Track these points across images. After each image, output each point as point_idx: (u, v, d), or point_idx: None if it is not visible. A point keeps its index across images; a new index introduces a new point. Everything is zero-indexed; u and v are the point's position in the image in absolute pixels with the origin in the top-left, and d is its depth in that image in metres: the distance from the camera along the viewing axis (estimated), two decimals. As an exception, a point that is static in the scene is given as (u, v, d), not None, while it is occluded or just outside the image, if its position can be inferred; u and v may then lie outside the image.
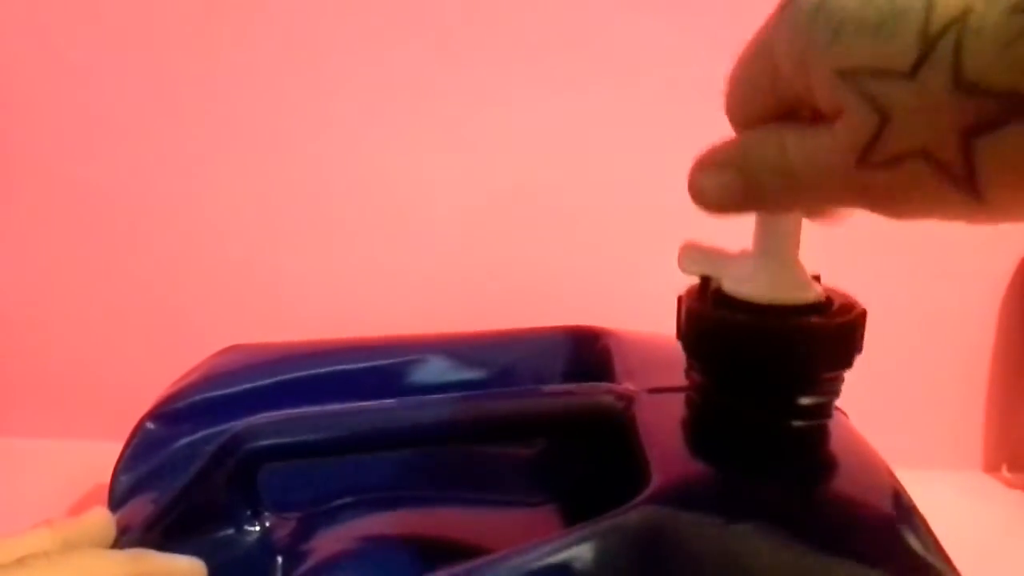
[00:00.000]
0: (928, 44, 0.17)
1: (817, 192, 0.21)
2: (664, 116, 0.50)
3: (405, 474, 0.36)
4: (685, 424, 0.29)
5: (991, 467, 0.55)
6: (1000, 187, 0.18)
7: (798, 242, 0.26)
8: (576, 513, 0.26)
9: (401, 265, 0.54)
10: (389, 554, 0.32)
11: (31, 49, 0.51)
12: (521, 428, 0.34)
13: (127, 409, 0.40)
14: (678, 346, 0.28)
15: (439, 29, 0.51)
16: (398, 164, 0.53)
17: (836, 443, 0.28)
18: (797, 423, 0.27)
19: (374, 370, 0.41)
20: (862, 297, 0.27)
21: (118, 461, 0.39)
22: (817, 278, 0.27)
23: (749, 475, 0.27)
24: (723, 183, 0.23)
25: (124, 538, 0.31)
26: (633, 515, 0.25)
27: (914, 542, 0.25)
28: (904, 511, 0.26)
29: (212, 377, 0.41)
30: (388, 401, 0.34)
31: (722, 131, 0.24)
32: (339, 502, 0.35)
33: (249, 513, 0.33)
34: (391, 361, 0.41)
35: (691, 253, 0.28)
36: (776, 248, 0.26)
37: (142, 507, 0.35)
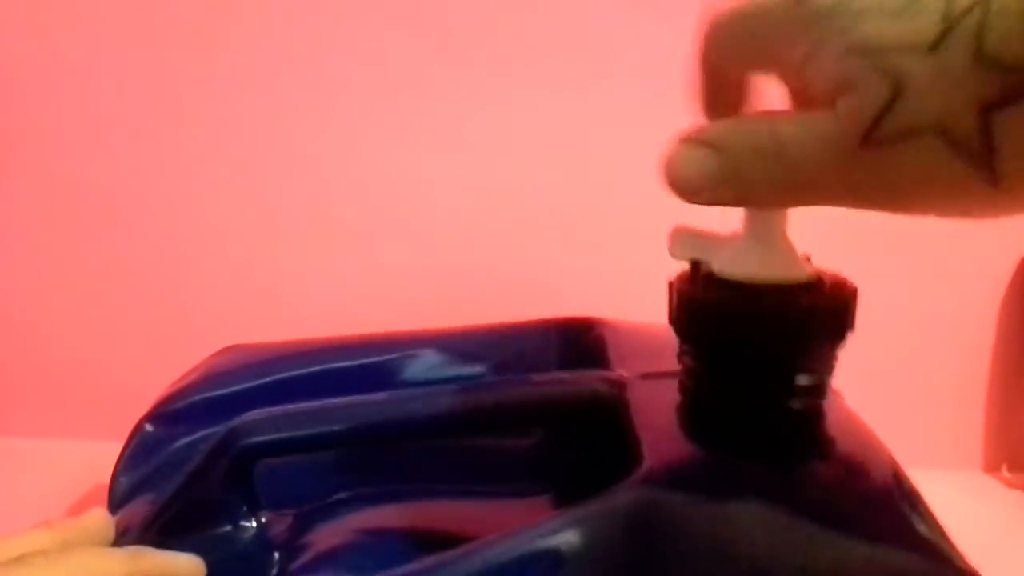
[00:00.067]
0: (951, 21, 0.17)
1: (806, 181, 0.20)
2: (663, 116, 0.50)
3: (400, 468, 0.36)
4: (678, 408, 0.29)
5: (991, 467, 0.55)
6: (1017, 161, 0.18)
7: (786, 221, 0.26)
8: (572, 503, 0.25)
9: (400, 264, 0.54)
10: (386, 548, 0.32)
11: (31, 49, 0.51)
12: (515, 417, 0.34)
13: (127, 409, 0.40)
14: (672, 333, 0.28)
15: (439, 29, 0.51)
16: (397, 164, 0.53)
17: (832, 423, 0.28)
18: (791, 403, 0.27)
19: (371, 366, 0.41)
20: (862, 297, 0.27)
21: (117, 463, 0.39)
22: (808, 258, 0.27)
23: (742, 455, 0.26)
24: (698, 159, 0.21)
25: (123, 539, 0.31)
26: (623, 496, 0.25)
27: (914, 520, 0.24)
28: (902, 489, 0.26)
29: (210, 377, 0.41)
30: (380, 395, 0.34)
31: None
32: (335, 497, 0.35)
33: (245, 509, 0.33)
34: (388, 357, 0.41)
35: (681, 237, 0.28)
36: (765, 228, 0.26)
37: (142, 508, 0.35)
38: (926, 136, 0.18)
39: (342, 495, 0.35)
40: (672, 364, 0.29)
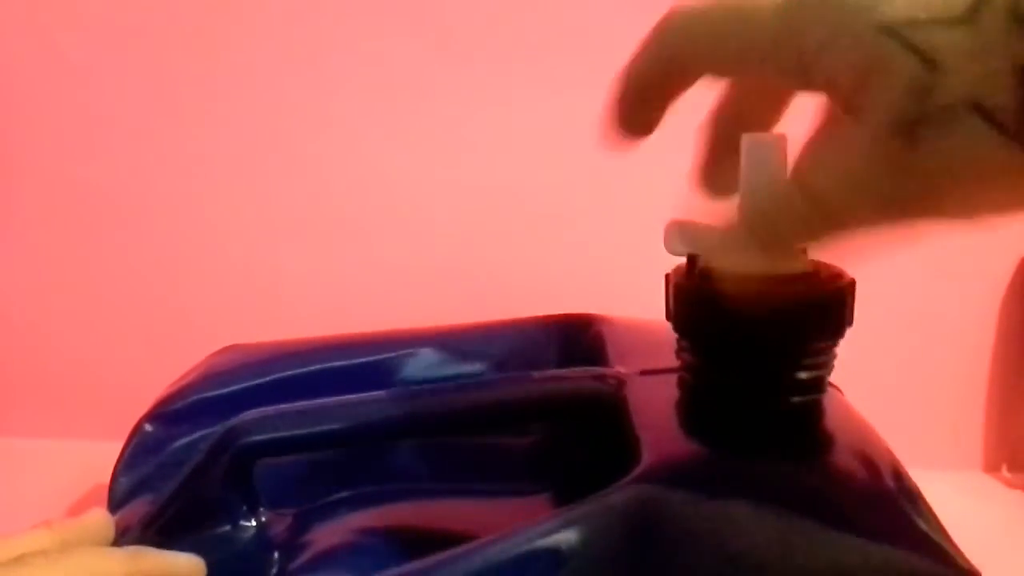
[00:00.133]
0: None
1: (848, 212, 0.20)
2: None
3: (399, 467, 0.36)
4: (677, 404, 0.29)
5: (991, 467, 0.55)
6: None
7: None
8: (572, 501, 0.25)
9: (399, 263, 0.54)
10: (385, 547, 0.32)
11: (31, 49, 0.51)
12: (514, 415, 0.34)
13: (127, 409, 0.40)
14: (670, 330, 0.28)
15: (439, 29, 0.51)
16: (397, 163, 0.53)
17: (832, 420, 0.28)
18: (789, 398, 0.27)
19: (370, 365, 0.41)
20: (862, 297, 0.27)
21: (117, 463, 0.39)
22: (804, 250, 0.27)
23: (741, 451, 0.26)
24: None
25: (123, 539, 0.31)
26: (622, 494, 0.25)
27: (913, 516, 0.24)
28: (902, 485, 0.26)
29: (210, 377, 0.41)
30: (379, 393, 0.34)
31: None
32: (335, 497, 0.35)
33: (245, 509, 0.33)
34: (387, 356, 0.41)
35: (677, 231, 0.27)
36: None
37: (141, 508, 0.35)
38: (963, 115, 0.17)
39: (342, 494, 0.35)
40: (671, 360, 0.29)
